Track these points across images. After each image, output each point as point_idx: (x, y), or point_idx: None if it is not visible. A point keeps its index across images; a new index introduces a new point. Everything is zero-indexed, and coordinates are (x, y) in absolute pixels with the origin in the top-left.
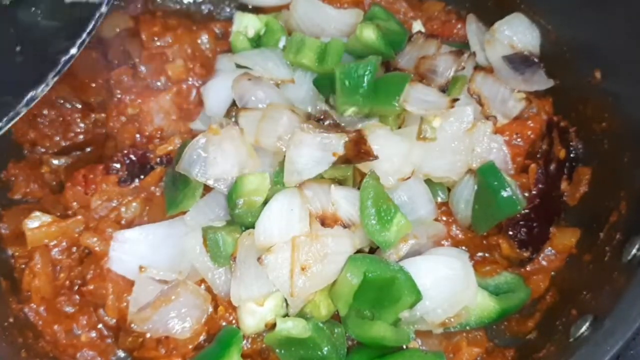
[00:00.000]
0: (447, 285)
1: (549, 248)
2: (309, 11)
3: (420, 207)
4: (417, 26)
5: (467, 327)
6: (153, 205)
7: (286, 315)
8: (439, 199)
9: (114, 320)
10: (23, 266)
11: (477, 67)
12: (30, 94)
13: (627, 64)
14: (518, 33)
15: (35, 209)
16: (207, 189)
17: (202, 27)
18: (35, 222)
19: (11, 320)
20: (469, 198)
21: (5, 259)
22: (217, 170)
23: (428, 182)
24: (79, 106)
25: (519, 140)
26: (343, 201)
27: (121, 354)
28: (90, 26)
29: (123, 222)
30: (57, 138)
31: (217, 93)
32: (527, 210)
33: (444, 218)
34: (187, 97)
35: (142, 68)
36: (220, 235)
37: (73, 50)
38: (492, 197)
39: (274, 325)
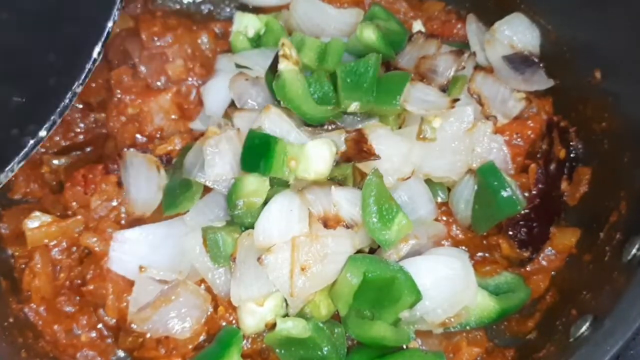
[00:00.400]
0: (447, 285)
1: (549, 248)
2: (309, 11)
3: (421, 207)
4: (417, 26)
5: (467, 327)
6: None
7: (286, 315)
8: (439, 199)
9: (114, 320)
10: (23, 266)
11: (477, 67)
12: None
13: (627, 64)
14: (518, 33)
15: (35, 209)
16: (206, 189)
17: (202, 27)
18: (35, 222)
19: (11, 320)
20: (469, 198)
21: (5, 258)
22: (215, 171)
23: (428, 182)
24: (79, 106)
25: (519, 140)
26: (344, 202)
27: (121, 354)
28: (63, 105)
29: (123, 222)
30: (57, 138)
31: (216, 93)
32: (527, 210)
33: (444, 218)
34: (187, 97)
35: (142, 68)
36: (220, 236)
37: (42, 133)
38: (492, 197)
39: (274, 325)
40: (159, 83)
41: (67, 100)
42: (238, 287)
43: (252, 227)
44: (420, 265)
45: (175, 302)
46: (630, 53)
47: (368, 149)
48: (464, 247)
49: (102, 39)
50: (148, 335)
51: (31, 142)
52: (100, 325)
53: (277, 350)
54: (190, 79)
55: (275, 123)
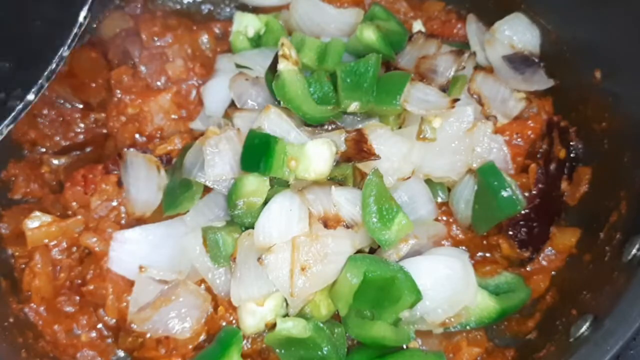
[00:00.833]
0: (447, 285)
1: (549, 248)
2: (309, 11)
3: (421, 207)
4: (418, 26)
5: (467, 327)
6: None
7: (286, 315)
8: (439, 199)
9: (114, 320)
10: (23, 266)
11: (477, 67)
12: None
13: (627, 64)
14: (518, 33)
15: (35, 209)
16: (206, 189)
17: (202, 27)
18: (35, 222)
19: (11, 320)
20: (469, 198)
21: (5, 258)
22: (215, 171)
23: (428, 182)
24: (79, 106)
25: (519, 140)
26: (344, 202)
27: (121, 354)
28: (50, 69)
29: (123, 222)
30: (57, 138)
31: (216, 93)
32: (527, 210)
33: (444, 218)
34: (187, 97)
35: (142, 68)
36: (220, 236)
37: (30, 97)
38: (492, 197)
39: (274, 325)
40: (159, 83)
41: (54, 65)
42: (238, 287)
43: (252, 227)
44: (420, 265)
45: (175, 302)
46: (630, 53)
47: (368, 149)
48: (464, 247)
49: (88, 3)
50: (148, 335)
51: (19, 105)
52: (100, 325)
53: (277, 350)
54: (190, 79)
55: (275, 123)
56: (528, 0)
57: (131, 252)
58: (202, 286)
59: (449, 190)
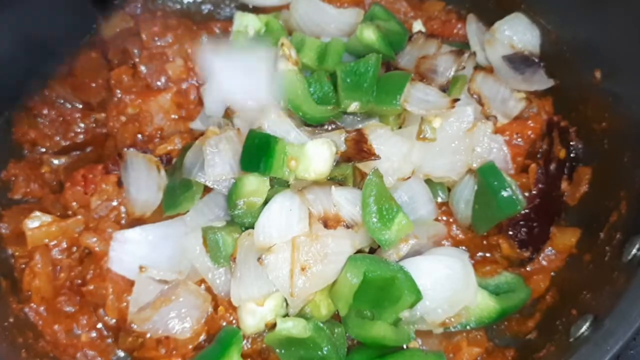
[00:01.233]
0: (447, 285)
1: (549, 248)
2: (309, 11)
3: (421, 207)
4: (418, 26)
5: (467, 327)
6: None
7: (286, 315)
8: (439, 199)
9: (114, 320)
10: (23, 266)
11: (477, 67)
12: None
13: (627, 64)
14: (518, 33)
15: (35, 209)
16: (206, 189)
17: (202, 27)
18: (35, 222)
19: (11, 320)
20: (469, 198)
21: (5, 258)
22: (215, 171)
23: (428, 182)
24: (79, 106)
25: (519, 140)
26: (344, 202)
27: (121, 354)
28: None
29: (123, 222)
30: (57, 138)
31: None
32: (527, 210)
33: (444, 218)
34: (187, 97)
35: (142, 68)
36: (220, 236)
37: None
38: (492, 197)
39: (274, 325)
40: (159, 83)
41: None
42: (238, 287)
43: (252, 227)
44: (420, 265)
45: (175, 302)
46: (630, 53)
47: (368, 149)
48: (464, 247)
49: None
50: (148, 335)
51: None
52: (100, 325)
53: (277, 350)
54: (190, 79)
55: (275, 123)
56: (528, 0)
57: (131, 252)
58: (202, 286)
59: (449, 190)
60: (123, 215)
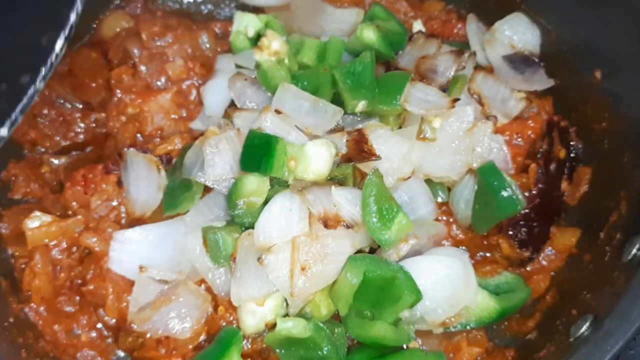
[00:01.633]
0: (447, 285)
1: (549, 248)
2: (309, 11)
3: (421, 207)
4: (418, 26)
5: (467, 327)
6: None
7: (286, 315)
8: (439, 199)
9: (114, 320)
10: (23, 266)
11: (477, 67)
12: None
13: (627, 64)
14: (518, 33)
15: (35, 209)
16: (206, 189)
17: (202, 27)
18: (35, 222)
19: (11, 320)
20: (469, 198)
21: (5, 258)
22: (215, 171)
23: (428, 182)
24: (79, 106)
25: (519, 140)
26: (344, 202)
27: (121, 354)
28: (24, 104)
29: (123, 222)
30: (57, 138)
31: (216, 93)
32: (527, 210)
33: (444, 218)
34: (187, 97)
35: (142, 68)
36: (220, 236)
37: (2, 132)
38: (492, 197)
39: (274, 325)
40: (159, 83)
41: (28, 98)
42: (238, 287)
43: (252, 227)
44: (420, 265)
45: (175, 302)
46: (630, 53)
47: (368, 149)
48: (464, 247)
49: (66, 33)
50: (148, 335)
51: None
52: (100, 325)
53: (277, 350)
54: (190, 79)
55: (275, 123)
56: (528, 0)
57: (131, 252)
58: (202, 286)
59: (449, 190)
60: (123, 215)
